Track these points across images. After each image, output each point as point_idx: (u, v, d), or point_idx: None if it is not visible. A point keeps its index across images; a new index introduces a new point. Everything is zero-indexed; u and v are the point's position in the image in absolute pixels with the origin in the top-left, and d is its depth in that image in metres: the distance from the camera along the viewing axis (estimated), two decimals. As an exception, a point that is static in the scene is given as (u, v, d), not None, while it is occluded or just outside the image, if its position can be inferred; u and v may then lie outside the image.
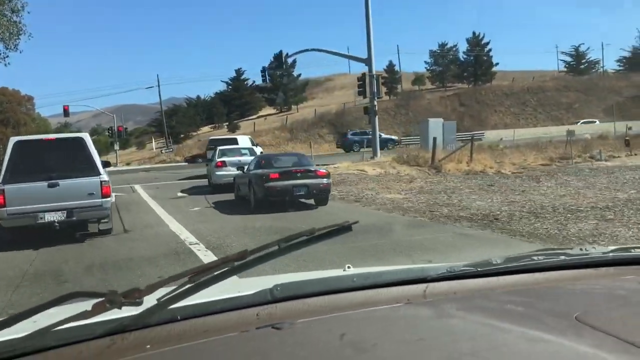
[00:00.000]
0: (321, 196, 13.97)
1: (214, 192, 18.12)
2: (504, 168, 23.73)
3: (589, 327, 1.12)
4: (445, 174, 21.67)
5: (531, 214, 10.24)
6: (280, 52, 36.10)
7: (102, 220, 10.10)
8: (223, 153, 19.26)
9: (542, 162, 25.24)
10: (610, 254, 1.64)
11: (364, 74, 28.57)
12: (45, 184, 9.51)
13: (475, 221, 9.99)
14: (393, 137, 49.15)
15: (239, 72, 74.00)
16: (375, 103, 28.61)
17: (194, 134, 65.62)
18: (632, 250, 1.72)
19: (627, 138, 26.64)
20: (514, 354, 1.01)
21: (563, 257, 1.61)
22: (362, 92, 28.70)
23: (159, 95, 62.70)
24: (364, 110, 29.97)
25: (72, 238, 9.91)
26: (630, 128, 39.78)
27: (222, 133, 64.03)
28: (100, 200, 9.77)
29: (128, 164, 46.82)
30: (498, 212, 10.61)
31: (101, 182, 9.79)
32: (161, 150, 55.67)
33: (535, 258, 1.59)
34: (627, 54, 79.83)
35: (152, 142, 59.94)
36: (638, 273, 1.55)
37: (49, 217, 9.51)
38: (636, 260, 1.64)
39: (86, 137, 10.15)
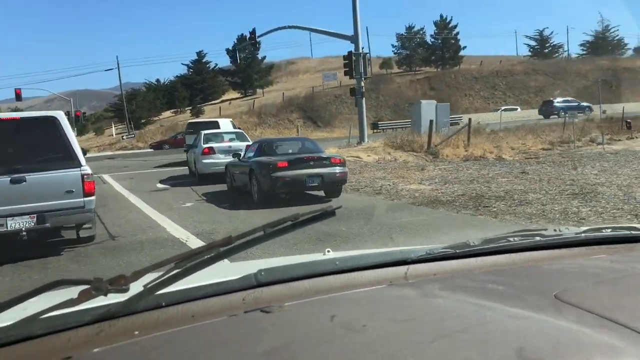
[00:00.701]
0: (336, 187, 11.93)
1: (198, 182, 15.83)
2: (504, 153, 22.15)
3: (568, 304, 1.13)
4: (445, 160, 19.93)
5: (622, 211, 8.39)
6: (253, 30, 33.65)
7: (84, 226, 7.75)
8: (209, 138, 16.84)
9: (542, 146, 23.80)
10: (583, 235, 1.68)
11: (350, 53, 26.38)
12: (6, 179, 7.09)
13: (556, 221, 8.08)
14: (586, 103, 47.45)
15: (200, 54, 70.60)
16: (363, 84, 26.52)
17: (155, 119, 62.28)
18: (603, 231, 1.74)
19: (628, 120, 25.30)
20: (502, 330, 1.02)
21: (538, 237, 1.63)
22: (348, 72, 26.53)
23: (119, 77, 59.02)
24: (350, 92, 27.81)
25: (45, 249, 7.57)
26: (605, 111, 39.04)
27: (186, 118, 60.98)
28: (81, 199, 7.41)
29: (88, 151, 43.56)
30: (575, 209, 8.72)
31: (83, 175, 7.42)
32: (122, 137, 52.25)
33: (511, 239, 1.61)
34: (590, 38, 79.88)
35: (111, 127, 56.21)
36: (609, 252, 1.59)
37: (13, 223, 7.09)
38: (607, 240, 1.67)
39: (60, 116, 7.64)
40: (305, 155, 11.76)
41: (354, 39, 26.58)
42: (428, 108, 25.98)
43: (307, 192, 11.82)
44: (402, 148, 22.88)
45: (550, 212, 8.64)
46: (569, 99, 47.49)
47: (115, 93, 73.90)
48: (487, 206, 9.55)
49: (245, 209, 11.03)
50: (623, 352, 0.93)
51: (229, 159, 14.77)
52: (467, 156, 20.63)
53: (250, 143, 16.37)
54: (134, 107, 58.44)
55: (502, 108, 52.78)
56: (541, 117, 42.89)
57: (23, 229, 7.09)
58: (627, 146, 22.01)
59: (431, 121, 22.80)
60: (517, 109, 53.05)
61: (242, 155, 13.38)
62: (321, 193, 12.08)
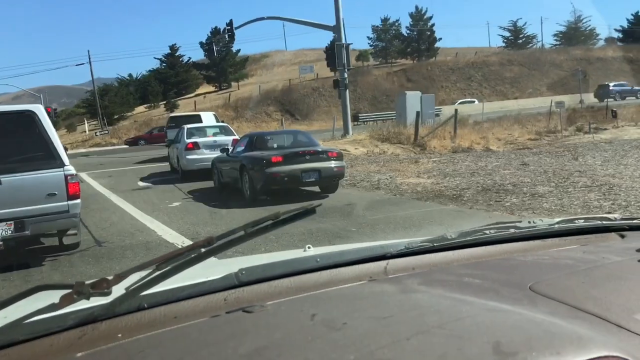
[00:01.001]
0: (333, 183, 11.29)
1: (182, 179, 15.03)
2: (491, 144, 21.81)
3: (543, 296, 1.16)
4: (433, 152, 19.47)
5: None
6: (230, 21, 32.70)
7: (68, 232, 6.97)
8: (192, 133, 15.99)
9: (529, 136, 23.53)
10: (556, 226, 1.69)
11: (333, 43, 25.71)
12: None
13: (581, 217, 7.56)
14: None
15: (173, 48, 69.16)
16: (346, 75, 25.86)
17: (129, 114, 60.78)
18: (575, 222, 1.75)
19: (613, 109, 25.11)
20: (478, 324, 1.03)
21: (513, 230, 1.64)
22: (331, 64, 25.87)
23: (91, 72, 57.00)
24: (333, 84, 27.07)
25: (25, 259, 6.78)
26: (582, 101, 39.15)
27: (160, 113, 59.73)
28: (65, 203, 6.61)
29: (67, 149, 42.00)
30: (596, 203, 8.21)
31: (66, 176, 6.63)
32: (95, 133, 50.76)
33: (487, 232, 1.62)
34: (563, 29, 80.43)
35: (84, 124, 54.47)
36: (581, 242, 1.63)
37: (-12, 231, 6.32)
38: (579, 231, 1.70)
39: (39, 110, 6.80)
40: (301, 149, 11.07)
41: (336, 29, 25.87)
42: (413, 99, 25.48)
43: (306, 187, 11.18)
44: (388, 140, 22.35)
45: (569, 207, 8.12)
46: (624, 82, 49.30)
47: (86, 89, 71.88)
48: (498, 201, 9.00)
49: (237, 207, 10.35)
50: (593, 342, 0.94)
51: (214, 154, 14.06)
52: (454, 148, 20.21)
53: (236, 137, 15.67)
54: (106, 102, 56.82)
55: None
56: (596, 100, 42.97)
57: (-1, 237, 6.30)
58: (615, 135, 21.77)
59: (418, 113, 22.32)
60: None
61: (230, 150, 12.65)
62: (317, 188, 11.45)
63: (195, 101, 59.14)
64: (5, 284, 5.93)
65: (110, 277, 1.06)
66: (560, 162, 13.01)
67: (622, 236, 1.69)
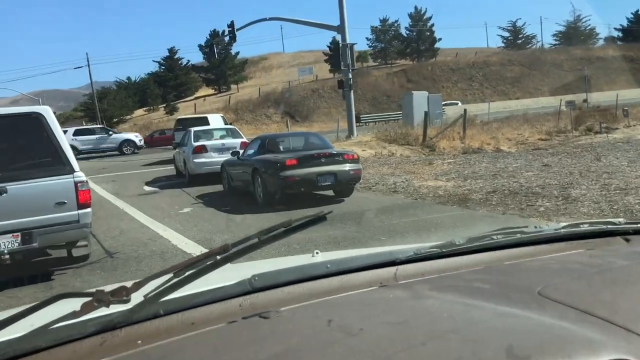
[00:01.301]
0: (349, 186, 10.81)
1: (189, 184, 14.52)
2: (502, 144, 21.37)
3: (551, 300, 1.16)
4: (442, 153, 19.03)
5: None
6: (232, 22, 32.26)
7: (79, 243, 6.47)
8: (199, 136, 15.47)
9: (539, 136, 23.08)
10: (562, 230, 1.69)
11: (337, 44, 25.27)
12: None
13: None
14: None
15: (172, 50, 68.68)
16: (350, 75, 25.38)
17: (128, 117, 60.29)
18: (581, 226, 1.76)
19: (625, 108, 24.69)
20: (490, 329, 1.04)
21: (519, 235, 1.65)
22: (335, 64, 25.43)
23: (90, 75, 56.41)
24: (338, 84, 26.60)
25: (32, 273, 6.28)
26: (585, 100, 38.76)
27: (159, 116, 59.33)
28: (75, 212, 6.12)
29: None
30: (639, 207, 7.73)
31: (76, 183, 6.15)
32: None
33: (494, 237, 1.61)
34: (562, 29, 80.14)
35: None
36: (587, 246, 1.62)
37: (-7, 243, 5.81)
38: (585, 235, 1.70)
39: (47, 112, 6.30)
40: (316, 152, 10.59)
41: (340, 29, 25.41)
42: (420, 99, 25.02)
43: (321, 191, 10.70)
44: (396, 141, 21.91)
45: (610, 211, 7.63)
46: None
47: (84, 92, 71.36)
48: (530, 205, 8.52)
49: (251, 212, 9.87)
50: (603, 346, 0.94)
51: (222, 157, 13.60)
52: (465, 149, 19.76)
53: (245, 140, 15.21)
54: (105, 105, 56.27)
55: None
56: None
57: (5, 250, 5.78)
58: (628, 135, 21.34)
59: (426, 113, 21.91)
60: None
61: (241, 153, 12.16)
62: (330, 192, 10.96)
63: (195, 104, 58.66)
64: (13, 302, 5.43)
65: (129, 285, 1.06)
66: (583, 163, 12.54)
67: (627, 240, 1.68)
